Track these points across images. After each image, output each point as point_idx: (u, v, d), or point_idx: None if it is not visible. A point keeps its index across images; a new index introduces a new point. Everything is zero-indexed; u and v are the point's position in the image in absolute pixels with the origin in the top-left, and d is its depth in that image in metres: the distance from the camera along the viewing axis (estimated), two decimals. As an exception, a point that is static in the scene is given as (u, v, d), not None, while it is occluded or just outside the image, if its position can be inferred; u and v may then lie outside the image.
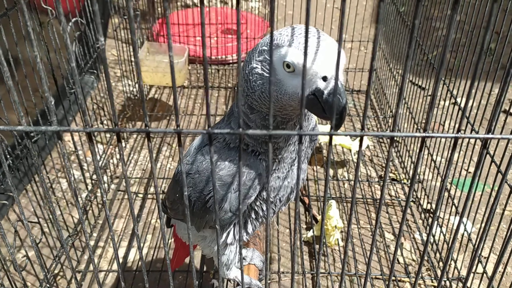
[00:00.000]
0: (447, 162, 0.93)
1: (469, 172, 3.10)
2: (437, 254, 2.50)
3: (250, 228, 1.54)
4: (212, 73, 4.38)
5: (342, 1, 0.79)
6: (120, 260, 2.53)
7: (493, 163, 1.93)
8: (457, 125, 2.48)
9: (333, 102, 0.88)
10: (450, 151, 0.90)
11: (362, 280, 2.43)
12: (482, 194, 2.61)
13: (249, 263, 1.81)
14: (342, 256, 2.57)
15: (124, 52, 3.40)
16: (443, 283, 2.38)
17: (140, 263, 2.50)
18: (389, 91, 3.70)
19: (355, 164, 3.31)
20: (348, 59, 4.17)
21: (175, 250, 1.97)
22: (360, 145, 0.96)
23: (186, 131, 0.97)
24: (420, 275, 2.43)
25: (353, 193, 0.97)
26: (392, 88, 3.62)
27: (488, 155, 1.96)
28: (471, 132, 2.28)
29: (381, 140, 3.56)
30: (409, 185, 3.05)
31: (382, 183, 0.91)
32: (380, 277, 2.42)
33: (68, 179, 0.98)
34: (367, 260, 2.54)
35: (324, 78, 1.11)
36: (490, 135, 0.91)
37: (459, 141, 2.55)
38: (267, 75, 1.20)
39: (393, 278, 2.41)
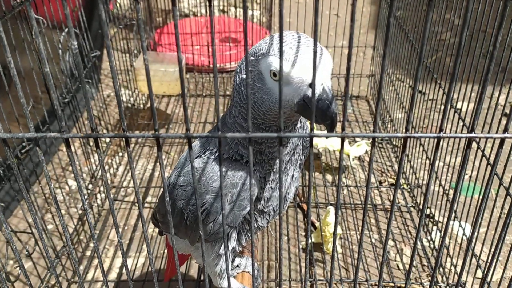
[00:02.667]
0: (431, 162, 0.91)
1: (471, 176, 3.07)
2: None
3: (243, 239, 1.52)
4: (210, 81, 4.38)
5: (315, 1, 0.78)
6: (117, 270, 2.51)
7: (489, 165, 1.91)
8: (454, 128, 2.46)
9: (319, 108, 0.88)
10: (433, 151, 0.88)
11: (361, 287, 2.39)
12: (480, 197, 2.57)
13: (243, 271, 1.79)
14: (340, 263, 2.54)
15: (122, 62, 3.40)
16: (443, 289, 2.35)
17: (138, 272, 2.48)
18: (388, 96, 3.68)
19: (352, 169, 3.25)
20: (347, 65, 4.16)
21: (168, 259, 1.96)
22: (342, 146, 0.94)
23: (164, 135, 0.96)
24: (420, 280, 2.39)
25: (337, 198, 0.95)
26: (391, 93, 3.60)
27: (484, 158, 1.93)
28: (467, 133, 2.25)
29: (380, 145, 3.54)
30: (408, 190, 3.02)
31: (366, 186, 0.89)
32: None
33: (49, 186, 0.97)
34: (366, 266, 2.51)
35: (311, 85, 1.11)
36: (472, 134, 0.89)
37: (452, 144, 2.52)
38: (258, 85, 1.20)
39: (392, 284, 2.38)
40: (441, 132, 0.89)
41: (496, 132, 2.06)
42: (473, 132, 0.90)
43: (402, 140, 0.90)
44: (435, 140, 0.91)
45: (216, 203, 1.34)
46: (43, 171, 0.98)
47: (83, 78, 0.86)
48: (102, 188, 2.93)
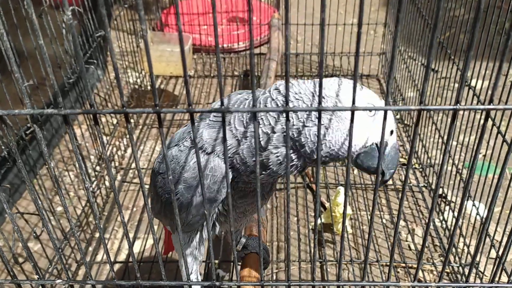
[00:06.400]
0: (447, 135, 0.86)
1: (485, 155, 3.01)
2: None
3: (217, 229, 1.50)
4: (218, 62, 4.33)
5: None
6: (126, 252, 2.51)
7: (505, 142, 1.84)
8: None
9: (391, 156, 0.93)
10: (449, 124, 0.83)
11: (372, 268, 2.37)
12: (495, 176, 2.51)
13: (251, 252, 1.76)
14: (351, 244, 2.51)
15: (128, 43, 3.36)
16: (456, 269, 2.31)
17: (147, 254, 2.48)
18: (399, 75, 3.60)
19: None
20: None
21: (165, 235, 1.97)
22: (352, 120, 0.89)
23: (165, 111, 0.92)
24: (432, 261, 2.35)
25: (346, 176, 0.91)
26: (403, 72, 3.52)
27: (499, 135, 1.87)
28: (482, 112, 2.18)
29: (391, 125, 3.47)
30: (420, 170, 2.97)
31: (376, 172, 0.85)
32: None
33: (48, 165, 0.94)
34: (377, 247, 2.48)
35: (391, 132, 1.18)
36: (491, 106, 0.83)
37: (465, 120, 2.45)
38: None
39: (404, 265, 2.35)
40: (458, 104, 0.83)
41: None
42: (491, 104, 0.85)
43: (416, 113, 0.85)
44: (451, 113, 0.86)
45: (187, 194, 1.31)
46: (42, 150, 0.95)
47: (78, 50, 0.82)
48: (112, 170, 2.92)
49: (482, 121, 0.87)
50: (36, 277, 1.22)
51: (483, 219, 2.22)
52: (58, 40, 2.25)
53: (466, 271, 2.22)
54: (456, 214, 2.50)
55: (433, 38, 0.75)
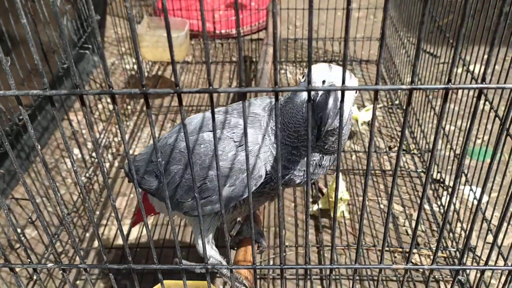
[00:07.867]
0: (439, 114, 0.85)
1: (483, 140, 2.99)
2: (447, 225, 2.42)
3: (235, 213, 1.54)
4: (216, 47, 4.29)
5: None
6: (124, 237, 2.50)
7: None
8: (470, 93, 2.37)
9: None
10: (441, 103, 0.81)
11: (370, 253, 2.37)
12: (493, 161, 2.49)
13: (245, 237, 1.76)
14: (348, 229, 2.51)
15: (125, 29, 3.33)
16: (453, 253, 2.31)
17: (144, 240, 2.48)
18: (399, 60, 3.57)
19: (360, 134, 3.18)
20: (356, 28, 4.05)
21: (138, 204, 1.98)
22: (342, 100, 0.88)
23: (152, 91, 0.91)
24: (429, 245, 2.35)
25: (337, 155, 0.90)
26: (402, 57, 3.48)
27: (497, 118, 1.85)
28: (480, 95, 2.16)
29: (390, 110, 3.45)
30: (419, 155, 2.96)
31: (367, 151, 0.83)
32: (387, 249, 2.35)
33: (36, 149, 0.93)
34: (374, 232, 2.47)
35: (323, 82, 1.20)
36: (483, 85, 0.82)
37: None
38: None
39: (401, 250, 2.34)
40: (449, 83, 0.82)
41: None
42: (483, 83, 0.83)
43: (407, 93, 0.84)
44: (443, 92, 0.84)
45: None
46: (29, 131, 0.94)
47: (63, 29, 0.80)
48: (109, 156, 2.91)
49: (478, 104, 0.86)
50: (28, 261, 1.21)
51: (478, 201, 2.21)
52: (52, 26, 2.22)
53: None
54: (454, 198, 2.49)
55: (424, 12, 0.73)
